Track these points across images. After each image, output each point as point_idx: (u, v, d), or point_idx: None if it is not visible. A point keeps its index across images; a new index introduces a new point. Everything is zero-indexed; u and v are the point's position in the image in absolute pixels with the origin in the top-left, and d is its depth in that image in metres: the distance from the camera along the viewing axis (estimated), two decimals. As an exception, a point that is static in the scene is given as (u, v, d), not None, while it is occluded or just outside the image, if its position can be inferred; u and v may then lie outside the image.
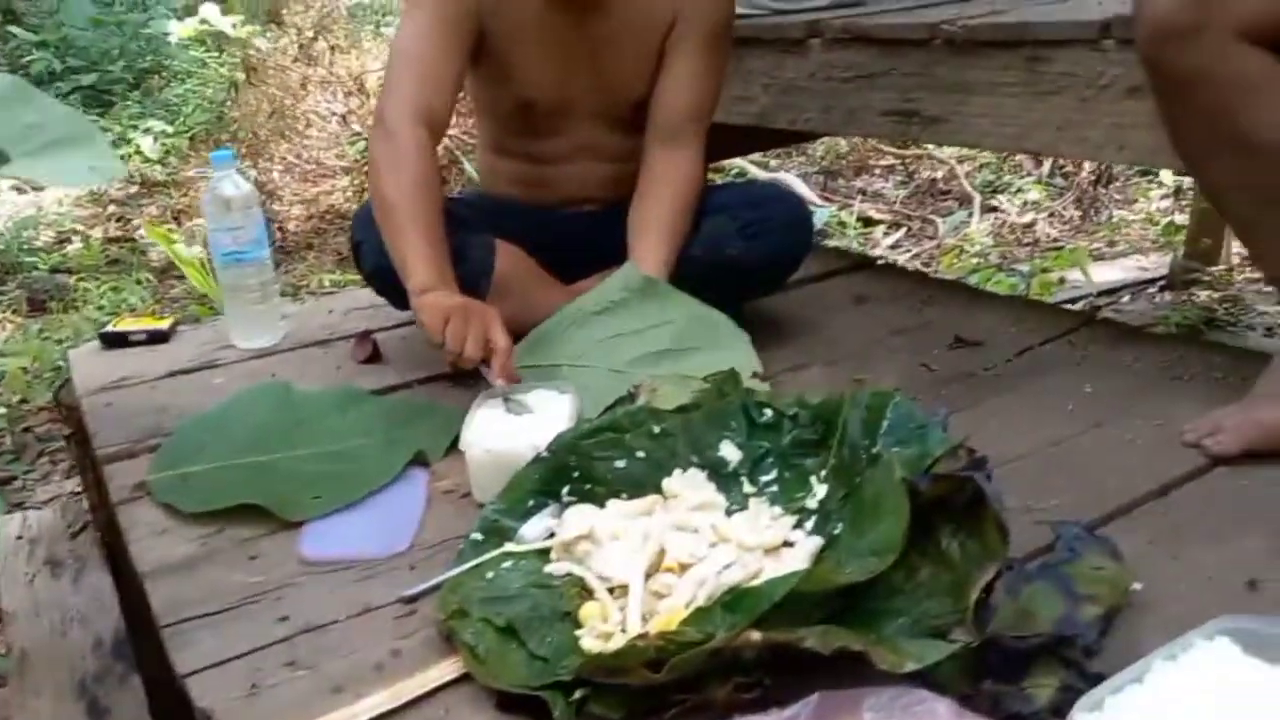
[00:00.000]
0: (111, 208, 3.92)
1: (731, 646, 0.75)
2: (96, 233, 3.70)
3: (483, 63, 1.40)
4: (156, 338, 1.57)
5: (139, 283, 3.07)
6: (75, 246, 3.55)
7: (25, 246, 3.50)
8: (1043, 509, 1.01)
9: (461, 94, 1.42)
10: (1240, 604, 0.86)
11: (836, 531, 0.91)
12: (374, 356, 1.47)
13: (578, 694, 0.75)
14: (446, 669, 0.82)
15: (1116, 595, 0.84)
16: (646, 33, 1.39)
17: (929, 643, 0.76)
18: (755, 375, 1.22)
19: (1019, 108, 1.33)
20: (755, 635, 0.74)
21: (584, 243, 1.47)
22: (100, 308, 2.93)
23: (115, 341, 1.57)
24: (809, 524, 0.95)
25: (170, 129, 4.45)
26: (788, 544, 0.92)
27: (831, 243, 2.98)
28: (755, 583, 0.84)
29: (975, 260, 2.89)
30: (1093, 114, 1.25)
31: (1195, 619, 0.79)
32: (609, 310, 1.29)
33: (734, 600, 0.79)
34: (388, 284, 1.37)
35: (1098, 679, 0.72)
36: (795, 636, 0.75)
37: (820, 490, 0.98)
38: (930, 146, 3.57)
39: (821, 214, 3.19)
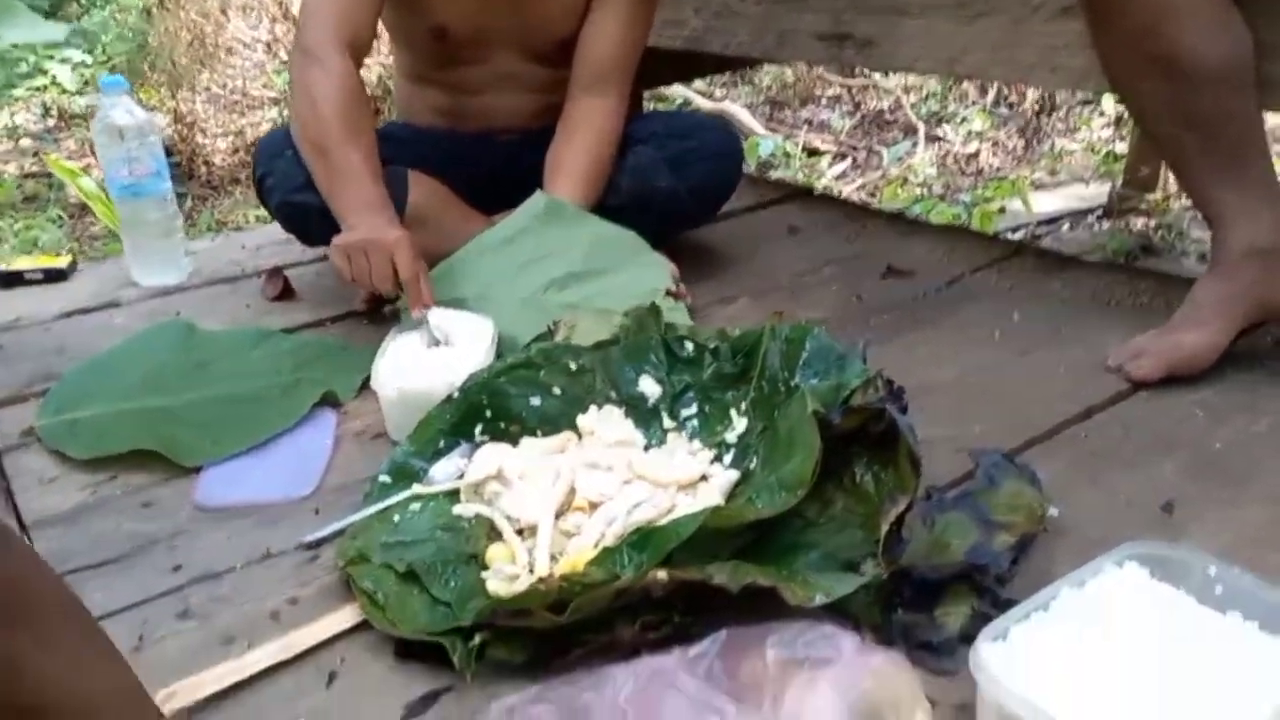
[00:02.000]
0: (26, 141, 3.72)
1: (638, 586, 0.72)
2: (11, 168, 3.51)
3: None
4: (54, 276, 1.48)
5: (53, 220, 2.93)
6: (-11, 183, 3.37)
7: (-65, 183, 3.31)
8: (965, 436, 1.00)
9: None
10: (1155, 527, 0.86)
11: (753, 465, 0.88)
12: (285, 293, 1.41)
13: (477, 639, 0.73)
14: (344, 617, 0.78)
15: (1032, 522, 0.83)
16: None
17: (839, 576, 0.74)
18: (669, 294, 1.19)
19: (951, 30, 1.28)
20: (661, 574, 0.72)
21: (509, 170, 1.41)
22: (13, 247, 2.79)
23: (10, 281, 1.48)
24: (728, 458, 0.93)
25: (89, 59, 4.22)
26: (706, 478, 0.90)
27: (776, 174, 2.93)
28: (670, 518, 0.81)
29: (919, 190, 2.86)
30: (1025, 36, 1.21)
31: (1110, 543, 0.79)
32: (514, 239, 1.24)
33: (641, 539, 0.76)
34: (295, 219, 1.30)
35: (1010, 605, 0.71)
36: (704, 574, 0.72)
37: (740, 424, 0.96)
38: (876, 76, 3.51)
39: (767, 145, 3.13)
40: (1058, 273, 1.37)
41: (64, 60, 4.17)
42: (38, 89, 4.05)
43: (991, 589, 0.76)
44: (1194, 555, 0.70)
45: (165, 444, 1.01)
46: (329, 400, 1.12)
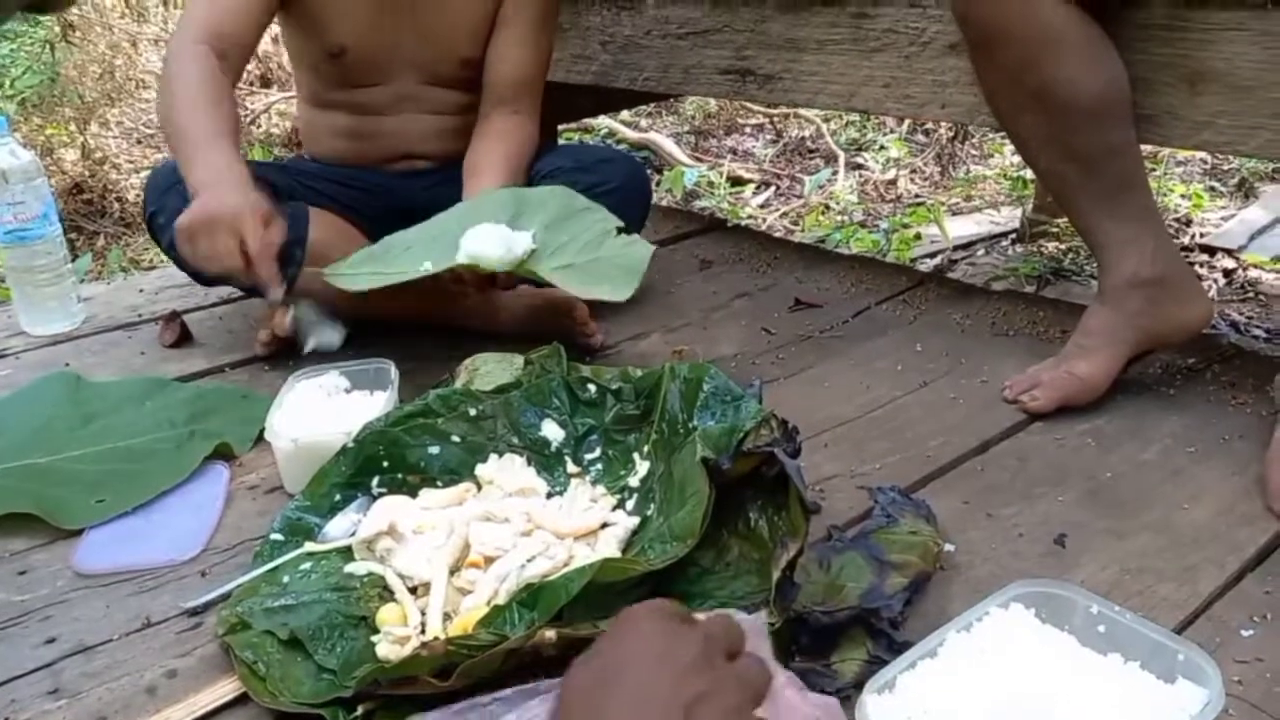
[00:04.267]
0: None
1: (528, 646, 0.70)
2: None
3: (292, 8, 1.32)
4: (-64, 328, 1.42)
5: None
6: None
7: None
8: (867, 472, 1.01)
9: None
10: (1048, 562, 0.87)
11: (650, 512, 0.87)
12: (183, 339, 1.36)
13: (361, 709, 0.70)
14: (223, 690, 0.75)
15: (927, 560, 0.84)
16: None
17: (733, 626, 0.73)
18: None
19: (846, 65, 1.30)
20: (550, 634, 0.70)
21: (415, 205, 1.39)
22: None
23: (-112, 334, 1.41)
24: (630, 503, 0.92)
25: (-3, 94, 4.08)
26: (608, 525, 0.89)
27: (701, 203, 2.95)
28: (560, 574, 0.79)
29: (840, 218, 2.91)
30: (915, 71, 1.24)
31: (1004, 580, 0.79)
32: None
33: (530, 596, 0.74)
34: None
35: (905, 647, 0.71)
36: (595, 630, 0.71)
37: (642, 467, 0.95)
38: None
39: (691, 175, 3.15)
40: (960, 302, 1.40)
41: (-31, 95, 4.03)
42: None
43: (886, 632, 0.75)
44: (1078, 594, 0.71)
45: (45, 506, 0.97)
46: (223, 453, 1.08)
